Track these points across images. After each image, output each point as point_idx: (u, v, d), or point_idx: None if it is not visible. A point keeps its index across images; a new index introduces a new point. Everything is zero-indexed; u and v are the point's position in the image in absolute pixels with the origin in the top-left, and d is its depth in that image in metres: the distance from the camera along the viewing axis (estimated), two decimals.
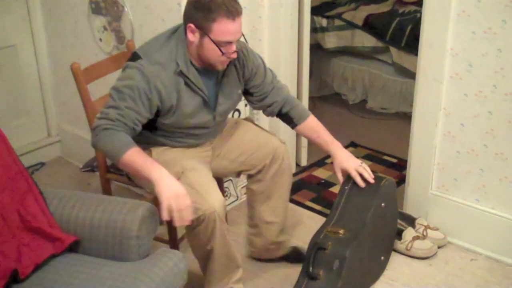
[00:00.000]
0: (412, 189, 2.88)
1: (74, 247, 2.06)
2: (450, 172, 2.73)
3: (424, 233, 2.75)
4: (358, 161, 2.44)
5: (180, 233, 2.57)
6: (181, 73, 2.15)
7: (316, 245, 2.33)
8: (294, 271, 2.56)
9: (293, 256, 2.66)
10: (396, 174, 3.43)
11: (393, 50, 4.11)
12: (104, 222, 2.03)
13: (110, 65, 2.64)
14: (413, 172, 2.85)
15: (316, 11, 4.41)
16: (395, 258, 2.70)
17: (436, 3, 2.50)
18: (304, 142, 3.49)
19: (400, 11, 4.21)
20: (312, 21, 4.26)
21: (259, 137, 2.47)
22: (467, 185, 2.70)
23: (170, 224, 2.48)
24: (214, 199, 2.13)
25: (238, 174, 2.54)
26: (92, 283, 1.88)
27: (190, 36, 2.13)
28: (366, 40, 4.26)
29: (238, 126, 2.51)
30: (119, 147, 2.06)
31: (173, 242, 2.52)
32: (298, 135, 3.42)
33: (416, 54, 2.70)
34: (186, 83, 2.17)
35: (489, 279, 2.58)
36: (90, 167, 2.64)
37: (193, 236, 2.20)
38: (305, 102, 3.38)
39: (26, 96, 3.59)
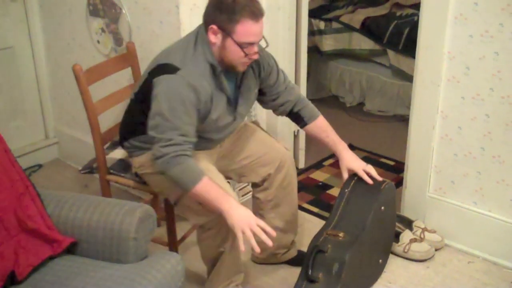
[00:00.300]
0: (410, 192, 2.88)
1: (71, 249, 2.06)
2: (448, 174, 2.73)
3: (422, 236, 2.76)
4: (364, 163, 2.46)
5: (178, 235, 2.57)
6: (216, 76, 2.14)
7: (316, 248, 2.33)
8: (292, 273, 2.57)
9: (298, 260, 2.65)
10: (394, 177, 3.43)
11: (390, 53, 4.12)
12: (101, 224, 2.03)
13: (111, 66, 2.65)
14: (410, 174, 2.85)
15: (313, 14, 4.42)
16: (392, 261, 2.70)
17: (434, 6, 2.51)
18: (301, 144, 3.49)
19: (398, 14, 4.22)
20: (310, 24, 4.27)
21: (266, 143, 2.48)
22: (464, 187, 2.70)
23: (169, 226, 2.49)
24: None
25: (240, 178, 2.52)
26: (89, 285, 1.87)
27: (212, 38, 2.10)
28: (363, 43, 4.27)
29: (245, 130, 2.51)
30: (193, 177, 2.07)
31: (171, 244, 2.52)
32: (296, 138, 3.42)
33: (414, 57, 2.71)
34: (217, 86, 2.16)
35: (486, 281, 2.58)
36: (89, 169, 2.64)
37: (206, 237, 2.20)
38: None
39: (23, 97, 3.58)
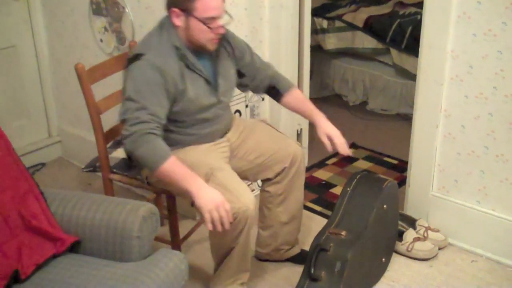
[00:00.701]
0: (413, 191, 2.88)
1: (74, 248, 2.06)
2: (451, 173, 2.73)
3: (425, 235, 2.75)
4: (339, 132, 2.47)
5: (181, 234, 2.57)
6: (183, 56, 2.19)
7: (318, 246, 2.33)
8: (295, 272, 2.57)
9: (300, 258, 2.65)
10: (397, 176, 3.43)
11: (393, 51, 4.12)
12: (105, 222, 2.03)
13: (114, 65, 2.64)
14: (413, 173, 2.85)
15: (316, 12, 4.41)
16: (395, 260, 2.70)
17: (437, 5, 2.51)
18: (304, 143, 3.49)
19: (401, 12, 4.21)
20: (313, 23, 4.27)
21: (277, 140, 2.49)
22: (467, 186, 2.70)
23: (172, 225, 2.49)
24: (247, 198, 2.15)
25: (255, 177, 2.53)
26: (92, 283, 1.87)
27: (176, 21, 2.18)
28: (366, 42, 4.26)
29: (256, 128, 2.53)
30: (159, 156, 2.09)
31: (174, 242, 2.52)
32: (298, 137, 3.42)
33: (417, 56, 2.71)
34: (187, 66, 2.21)
35: (489, 280, 2.58)
36: (92, 167, 2.64)
37: (220, 233, 2.20)
38: None
39: (27, 96, 3.59)
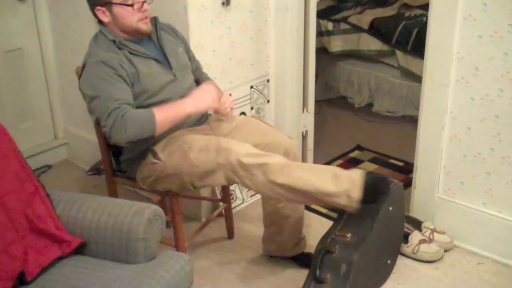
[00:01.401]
0: (419, 193, 2.87)
1: (80, 250, 2.06)
2: (457, 175, 2.72)
3: (431, 237, 2.75)
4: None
5: (186, 236, 2.57)
6: (123, 46, 2.28)
7: (324, 248, 2.33)
8: (300, 274, 2.57)
9: (305, 260, 2.64)
10: (403, 178, 3.42)
11: (399, 53, 4.11)
12: (110, 224, 2.03)
13: None
14: (419, 175, 2.84)
15: (322, 14, 4.41)
16: (401, 262, 2.69)
17: (442, 7, 2.50)
18: (310, 145, 3.49)
19: (406, 14, 4.21)
20: (318, 25, 4.27)
21: (269, 134, 2.50)
22: (473, 188, 2.69)
23: (176, 227, 2.49)
24: (239, 146, 2.24)
25: None
26: (98, 285, 1.88)
27: (104, 18, 2.30)
28: (372, 44, 4.26)
29: (247, 123, 2.56)
30: (148, 119, 2.17)
31: (179, 244, 2.52)
32: (304, 139, 3.42)
33: (422, 58, 2.70)
34: (131, 53, 2.28)
35: (496, 283, 2.57)
36: (96, 170, 2.65)
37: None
38: (311, 105, 3.38)
39: (33, 99, 3.60)
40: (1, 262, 1.90)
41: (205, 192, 3.01)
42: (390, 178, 2.37)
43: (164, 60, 2.39)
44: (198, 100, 2.28)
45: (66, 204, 2.13)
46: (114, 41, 2.28)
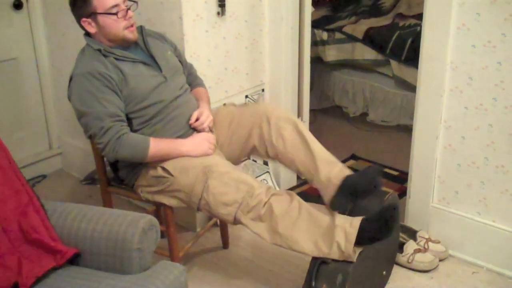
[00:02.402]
0: (413, 202, 2.88)
1: (74, 260, 2.05)
2: (451, 185, 2.73)
3: (426, 246, 2.75)
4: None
5: (180, 246, 2.56)
6: (106, 52, 2.28)
7: (320, 259, 2.32)
8: (295, 285, 2.56)
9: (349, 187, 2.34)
10: (397, 187, 3.43)
11: (393, 63, 4.13)
12: (105, 234, 2.03)
13: None
14: (414, 185, 2.85)
15: (316, 24, 4.43)
16: (396, 271, 2.69)
17: (436, 16, 2.52)
18: None
19: (400, 24, 4.23)
20: (313, 35, 4.29)
21: (245, 111, 2.52)
22: (468, 198, 2.70)
23: (171, 237, 2.48)
24: (255, 182, 2.24)
25: (247, 153, 2.55)
26: None
27: (91, 29, 2.31)
28: (366, 53, 4.28)
29: (221, 113, 2.56)
30: (141, 147, 2.22)
31: (173, 254, 2.51)
32: None
33: (417, 67, 2.71)
34: (117, 59, 2.29)
35: None
36: (90, 180, 2.65)
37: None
38: (306, 114, 3.39)
39: (27, 108, 3.60)
40: None
41: None
42: (393, 205, 2.31)
43: (153, 63, 2.40)
44: (195, 145, 2.32)
45: (60, 214, 2.12)
46: (99, 50, 2.29)
